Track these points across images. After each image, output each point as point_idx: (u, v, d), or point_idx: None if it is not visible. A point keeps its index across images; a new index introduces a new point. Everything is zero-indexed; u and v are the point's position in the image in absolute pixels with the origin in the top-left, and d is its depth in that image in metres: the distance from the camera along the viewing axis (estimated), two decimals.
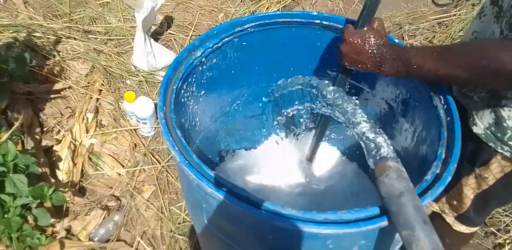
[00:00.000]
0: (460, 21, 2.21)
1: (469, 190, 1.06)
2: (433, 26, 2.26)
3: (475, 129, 0.93)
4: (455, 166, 0.79)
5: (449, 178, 0.78)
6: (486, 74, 0.72)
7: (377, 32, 0.86)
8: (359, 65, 0.89)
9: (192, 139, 1.15)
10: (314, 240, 0.76)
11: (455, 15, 2.26)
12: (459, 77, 0.76)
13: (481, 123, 0.92)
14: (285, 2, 2.25)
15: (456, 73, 0.75)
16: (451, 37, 2.18)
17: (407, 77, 0.86)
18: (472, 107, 0.94)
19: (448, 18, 2.27)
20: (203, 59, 1.05)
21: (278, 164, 1.34)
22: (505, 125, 0.87)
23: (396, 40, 0.99)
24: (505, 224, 1.67)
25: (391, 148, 0.80)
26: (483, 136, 0.93)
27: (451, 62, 0.76)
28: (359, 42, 0.86)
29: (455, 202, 1.13)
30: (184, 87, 1.02)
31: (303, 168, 1.34)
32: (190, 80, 1.04)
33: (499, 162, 0.95)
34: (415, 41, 2.20)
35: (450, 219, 1.17)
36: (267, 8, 2.27)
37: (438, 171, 0.80)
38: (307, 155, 1.32)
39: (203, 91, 1.13)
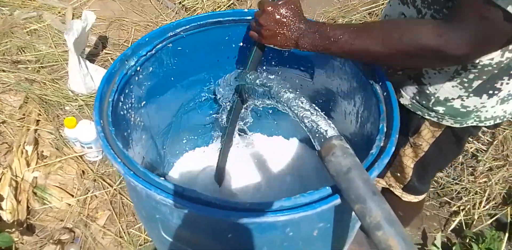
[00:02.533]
0: None
1: (408, 159, 1.10)
2: (364, 17, 2.35)
3: (402, 100, 0.97)
4: (397, 136, 0.81)
5: (393, 149, 0.79)
6: (401, 47, 0.73)
7: (294, 3, 0.85)
8: (278, 38, 0.85)
9: (137, 152, 1.10)
10: (273, 230, 0.74)
11: (383, 4, 2.36)
12: (375, 51, 0.76)
13: (406, 94, 0.97)
14: (220, 10, 2.25)
15: (372, 47, 0.76)
16: None
17: (324, 53, 0.84)
18: (395, 82, 0.96)
19: (377, 8, 2.37)
20: (138, 68, 1.01)
21: (230, 166, 1.30)
22: (427, 92, 0.92)
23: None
24: (456, 192, 1.73)
25: (333, 126, 0.79)
26: (410, 106, 0.97)
27: (368, 35, 0.76)
28: (279, 12, 0.84)
29: (398, 174, 1.17)
30: (122, 100, 0.97)
31: (258, 165, 1.32)
32: (127, 91, 0.99)
33: (428, 128, 1.00)
34: None
35: (398, 191, 1.21)
36: None
37: (382, 144, 0.81)
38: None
39: (144, 102, 1.09)
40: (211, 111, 1.32)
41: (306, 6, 2.42)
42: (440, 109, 0.93)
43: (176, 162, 1.34)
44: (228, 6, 2.30)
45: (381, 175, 1.21)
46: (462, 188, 1.74)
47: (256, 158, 1.35)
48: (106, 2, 2.41)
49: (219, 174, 1.27)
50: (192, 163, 1.34)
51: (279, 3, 0.84)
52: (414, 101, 0.96)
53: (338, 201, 0.70)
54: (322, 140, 0.74)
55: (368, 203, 0.65)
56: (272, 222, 0.68)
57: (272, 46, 0.89)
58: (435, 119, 0.95)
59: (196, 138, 1.37)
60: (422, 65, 0.87)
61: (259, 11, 0.87)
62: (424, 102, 0.94)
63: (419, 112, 0.96)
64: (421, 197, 1.24)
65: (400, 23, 0.77)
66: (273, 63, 1.16)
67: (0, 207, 1.53)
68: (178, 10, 2.32)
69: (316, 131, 0.76)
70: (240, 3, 2.36)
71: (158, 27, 2.26)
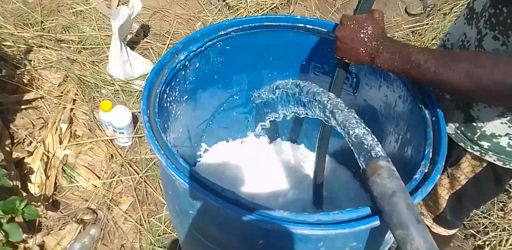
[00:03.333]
0: (432, 30, 2.28)
1: (444, 190, 1.08)
2: (407, 34, 2.32)
3: (446, 129, 0.94)
4: (443, 164, 0.80)
5: (438, 176, 0.79)
6: (490, 85, 0.68)
7: (375, 21, 0.82)
8: (352, 53, 0.83)
9: (174, 145, 1.12)
10: (305, 242, 0.75)
11: (427, 24, 2.33)
12: (459, 85, 0.71)
13: (452, 124, 0.94)
14: (263, 12, 2.26)
15: (457, 80, 0.71)
16: (425, 45, 2.24)
17: (400, 75, 0.81)
18: (443, 108, 0.95)
19: (421, 27, 2.34)
20: (187, 63, 1.03)
21: (260, 169, 1.31)
22: (474, 124, 0.90)
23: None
24: (483, 226, 1.70)
25: (381, 147, 0.80)
26: (453, 135, 0.95)
27: (454, 66, 0.71)
28: (356, 27, 0.82)
29: (431, 203, 1.14)
30: (167, 92, 0.99)
31: (288, 172, 1.32)
32: (173, 84, 1.01)
33: (469, 161, 0.98)
34: None
35: (428, 221, 1.18)
36: (245, 16, 2.27)
37: (426, 170, 0.80)
38: (313, 177, 1.21)
39: (186, 96, 1.11)
40: (246, 111, 1.34)
41: None
42: (485, 144, 0.90)
43: (207, 156, 1.36)
44: (271, 9, 2.30)
45: None
46: (490, 222, 1.70)
47: (283, 165, 1.36)
48: None
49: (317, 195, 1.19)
50: (222, 159, 1.35)
51: (361, 17, 0.83)
52: (459, 132, 0.93)
53: (377, 223, 0.70)
54: (369, 159, 0.74)
55: (411, 230, 0.64)
56: (307, 235, 0.68)
57: (346, 60, 0.87)
58: (477, 153, 0.93)
59: (229, 134, 1.38)
60: (508, 105, 0.82)
61: (340, 25, 0.86)
62: (469, 134, 0.92)
63: (461, 144, 0.94)
64: (451, 232, 1.20)
65: (494, 58, 0.70)
66: (317, 71, 1.17)
67: (29, 180, 1.58)
68: (221, 8, 2.34)
69: (363, 149, 0.76)
70: (282, 7, 2.36)
71: (199, 22, 2.30)
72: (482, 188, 1.02)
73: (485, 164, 0.95)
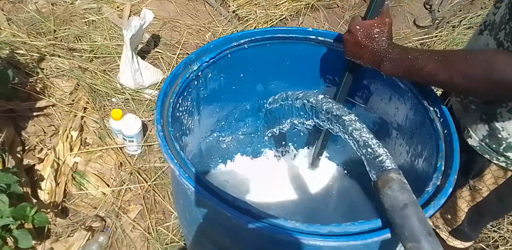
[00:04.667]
0: (441, 42, 2.29)
1: (463, 203, 1.07)
2: (416, 46, 2.33)
3: (470, 141, 0.94)
4: (455, 177, 0.80)
5: (451, 189, 0.79)
6: (486, 83, 0.72)
7: (383, 27, 0.83)
8: (359, 57, 0.87)
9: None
10: None
11: (436, 36, 2.35)
12: (458, 83, 0.75)
13: (476, 136, 0.93)
14: (272, 23, 2.29)
15: (456, 80, 0.74)
16: None
17: (404, 79, 0.84)
18: (466, 120, 0.95)
19: (430, 39, 2.36)
20: (199, 74, 1.04)
21: (270, 179, 1.32)
22: (499, 136, 0.89)
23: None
24: (493, 240, 1.68)
25: (392, 159, 0.80)
26: (478, 147, 0.94)
27: (453, 67, 0.74)
28: (363, 33, 0.84)
29: (449, 216, 1.13)
30: (180, 102, 1.00)
31: (297, 183, 1.32)
32: (185, 94, 1.03)
33: (492, 173, 0.97)
34: None
35: (444, 234, 1.17)
36: (254, 27, 2.30)
37: (438, 183, 0.80)
38: (310, 163, 1.31)
39: (197, 107, 1.12)
40: (256, 122, 1.35)
41: None
42: (511, 155, 0.90)
43: (216, 168, 1.37)
44: (280, 20, 2.33)
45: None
46: (500, 236, 1.69)
47: (292, 176, 1.36)
48: (163, 2, 2.49)
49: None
50: (231, 170, 1.36)
51: (369, 22, 0.84)
52: (483, 143, 0.93)
53: (389, 235, 0.70)
54: (380, 171, 0.75)
55: (422, 243, 0.65)
56: (319, 246, 0.69)
57: (353, 60, 0.89)
58: (503, 164, 0.92)
59: (239, 147, 1.39)
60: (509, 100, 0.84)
61: (348, 28, 0.88)
62: (494, 146, 0.91)
63: (486, 156, 0.93)
64: (467, 244, 1.19)
65: (493, 61, 0.71)
66: (328, 82, 1.18)
67: (39, 186, 1.59)
68: (231, 19, 2.37)
69: (375, 161, 0.77)
70: (292, 18, 2.39)
71: (209, 32, 2.33)
72: (504, 199, 1.01)
73: (509, 175, 0.95)
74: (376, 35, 0.83)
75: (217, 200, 0.74)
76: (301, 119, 1.10)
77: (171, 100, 0.94)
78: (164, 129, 0.87)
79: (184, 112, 1.06)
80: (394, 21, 2.46)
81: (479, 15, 2.41)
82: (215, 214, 0.78)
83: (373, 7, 0.87)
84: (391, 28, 0.85)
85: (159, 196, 1.65)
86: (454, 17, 2.43)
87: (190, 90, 1.04)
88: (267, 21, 2.29)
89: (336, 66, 1.10)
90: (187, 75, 1.00)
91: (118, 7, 2.42)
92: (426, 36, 2.38)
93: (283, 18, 2.35)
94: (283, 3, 2.37)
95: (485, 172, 0.98)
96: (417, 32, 2.43)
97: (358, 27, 0.84)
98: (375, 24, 0.84)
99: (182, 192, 0.87)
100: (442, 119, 0.89)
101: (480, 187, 1.01)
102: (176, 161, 0.80)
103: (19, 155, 1.63)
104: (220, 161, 1.38)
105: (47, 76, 1.97)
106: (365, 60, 0.86)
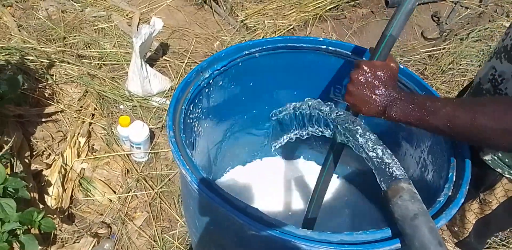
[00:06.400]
0: (449, 55, 2.30)
1: (472, 215, 1.07)
2: (424, 58, 2.34)
3: (482, 155, 0.94)
4: (467, 187, 0.80)
5: (462, 200, 0.79)
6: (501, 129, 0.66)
7: (391, 70, 0.80)
8: (363, 100, 0.80)
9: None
10: None
11: (444, 48, 2.36)
12: (485, 126, 0.67)
13: (488, 150, 0.93)
14: (280, 33, 2.31)
15: (482, 122, 0.67)
16: (442, 69, 2.26)
17: (415, 126, 0.76)
18: None
19: (437, 51, 2.36)
20: (211, 81, 1.05)
21: (276, 187, 1.32)
22: None
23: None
24: None
25: (402, 169, 0.80)
26: (489, 161, 0.93)
27: (477, 108, 0.68)
28: (374, 73, 0.80)
29: (456, 228, 1.12)
30: (191, 109, 1.01)
31: (304, 190, 1.32)
32: (196, 101, 1.03)
33: (503, 186, 0.97)
34: None
35: (449, 246, 1.16)
36: (262, 37, 2.32)
37: (450, 193, 0.80)
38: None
39: (208, 114, 1.13)
40: (264, 130, 1.35)
41: (364, 41, 2.44)
42: None
43: (224, 175, 1.37)
44: (288, 30, 2.35)
45: None
46: None
47: (299, 184, 1.36)
48: (172, 11, 2.52)
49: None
50: (239, 177, 1.36)
51: (377, 64, 0.81)
52: (496, 158, 0.92)
53: (399, 245, 0.70)
54: (390, 181, 0.75)
55: None
56: None
57: (355, 104, 0.83)
58: None
59: (247, 154, 1.39)
60: None
61: (355, 68, 0.83)
62: (507, 160, 0.90)
63: (499, 170, 0.92)
64: None
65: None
66: (337, 92, 1.18)
67: (46, 192, 1.59)
68: (239, 28, 2.40)
69: (385, 170, 0.77)
70: (299, 28, 2.41)
71: (217, 41, 2.35)
72: None
73: None
74: (386, 78, 0.79)
75: (230, 206, 0.74)
76: (310, 129, 1.10)
77: (183, 107, 0.95)
78: (176, 135, 0.88)
79: (195, 120, 1.06)
80: (402, 32, 2.47)
81: (487, 27, 2.42)
82: (226, 220, 0.78)
83: (382, 47, 0.83)
84: (397, 75, 0.82)
85: (165, 203, 1.65)
86: (462, 30, 2.44)
87: (201, 97, 1.05)
88: (275, 31, 2.32)
89: (345, 77, 1.11)
90: (199, 83, 1.01)
91: (127, 15, 2.45)
92: (434, 48, 2.39)
93: (291, 28, 2.37)
94: (291, 13, 2.40)
95: (496, 186, 0.97)
96: (425, 44, 2.44)
97: (368, 66, 0.80)
98: (384, 65, 0.80)
99: (193, 199, 0.87)
100: None
101: (490, 200, 1.01)
102: (188, 167, 0.81)
103: (27, 160, 1.64)
104: (227, 168, 1.38)
105: (56, 83, 1.99)
106: (370, 105, 0.79)
